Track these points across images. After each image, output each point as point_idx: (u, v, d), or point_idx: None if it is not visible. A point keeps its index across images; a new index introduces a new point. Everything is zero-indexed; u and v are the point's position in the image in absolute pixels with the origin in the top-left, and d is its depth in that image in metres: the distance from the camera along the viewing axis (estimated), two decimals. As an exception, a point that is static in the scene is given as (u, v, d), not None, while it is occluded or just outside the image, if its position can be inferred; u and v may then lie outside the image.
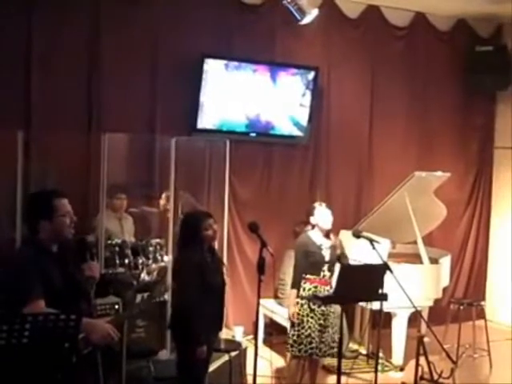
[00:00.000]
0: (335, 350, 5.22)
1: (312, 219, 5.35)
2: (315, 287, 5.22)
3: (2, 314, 2.93)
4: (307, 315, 5.19)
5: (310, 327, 5.17)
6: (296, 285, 5.25)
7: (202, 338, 4.23)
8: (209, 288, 4.25)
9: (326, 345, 5.20)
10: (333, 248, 5.32)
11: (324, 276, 5.26)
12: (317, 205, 5.42)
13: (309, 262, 5.24)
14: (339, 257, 5.45)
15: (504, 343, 7.17)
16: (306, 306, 5.20)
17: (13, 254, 4.22)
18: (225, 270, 4.62)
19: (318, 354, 5.22)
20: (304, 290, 5.23)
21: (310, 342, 5.16)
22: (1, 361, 2.61)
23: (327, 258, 5.26)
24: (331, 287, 5.27)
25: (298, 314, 5.21)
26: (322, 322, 5.19)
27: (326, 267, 5.26)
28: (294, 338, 5.22)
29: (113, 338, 3.07)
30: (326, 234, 5.34)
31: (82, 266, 3.33)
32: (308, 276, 5.24)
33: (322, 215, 5.34)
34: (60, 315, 2.71)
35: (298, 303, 5.23)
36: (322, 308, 5.19)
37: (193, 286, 4.19)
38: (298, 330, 5.20)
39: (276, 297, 6.62)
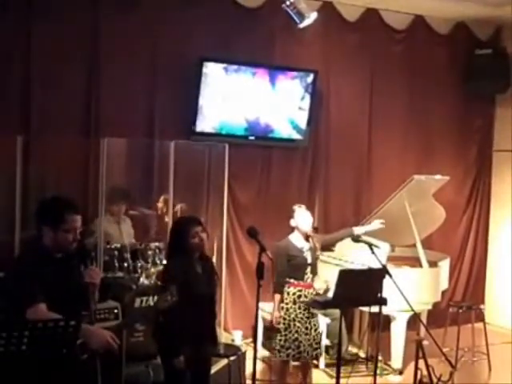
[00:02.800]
0: (318, 350, 5.25)
1: (292, 221, 5.29)
2: (300, 291, 5.19)
3: (2, 320, 2.93)
4: (293, 319, 5.15)
5: (297, 331, 5.13)
6: (279, 289, 5.17)
7: (179, 348, 4.04)
8: (194, 299, 4.04)
9: (312, 347, 5.18)
10: (312, 250, 5.28)
11: (307, 279, 5.23)
12: (296, 207, 5.33)
13: (291, 266, 5.18)
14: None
15: (503, 346, 7.17)
16: (291, 310, 5.16)
17: (12, 258, 4.23)
18: (217, 280, 4.50)
19: (306, 357, 5.19)
20: (288, 294, 5.18)
21: (298, 346, 5.12)
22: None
23: (309, 261, 5.23)
24: (314, 289, 5.28)
25: (284, 318, 5.17)
26: (307, 325, 5.17)
27: (308, 269, 5.23)
28: (281, 342, 5.15)
29: (112, 345, 3.07)
30: (306, 237, 5.29)
31: (82, 272, 3.32)
32: (292, 280, 5.19)
33: (302, 217, 5.28)
34: (59, 321, 2.71)
35: (282, 308, 5.19)
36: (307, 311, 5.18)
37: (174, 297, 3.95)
38: (286, 335, 5.14)
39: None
